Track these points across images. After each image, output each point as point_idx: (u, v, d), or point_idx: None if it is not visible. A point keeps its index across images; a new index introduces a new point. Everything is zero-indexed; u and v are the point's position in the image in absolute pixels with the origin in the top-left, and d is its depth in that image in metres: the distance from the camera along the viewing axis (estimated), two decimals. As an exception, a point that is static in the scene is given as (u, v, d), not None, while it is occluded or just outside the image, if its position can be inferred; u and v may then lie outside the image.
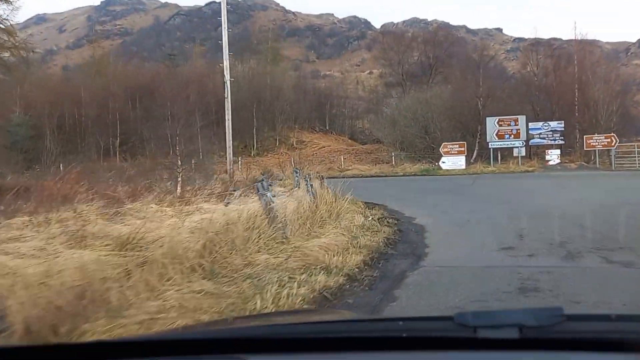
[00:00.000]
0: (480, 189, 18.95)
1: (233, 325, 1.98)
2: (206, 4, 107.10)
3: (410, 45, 44.03)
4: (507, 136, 28.55)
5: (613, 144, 27.12)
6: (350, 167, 30.09)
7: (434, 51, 41.89)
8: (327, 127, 42.80)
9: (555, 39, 49.14)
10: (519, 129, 28.37)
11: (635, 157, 27.09)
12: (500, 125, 28.60)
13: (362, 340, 1.40)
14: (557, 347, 1.28)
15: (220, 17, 22.01)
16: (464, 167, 28.54)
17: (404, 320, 1.53)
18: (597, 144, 27.60)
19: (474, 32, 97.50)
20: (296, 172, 10.71)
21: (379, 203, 12.44)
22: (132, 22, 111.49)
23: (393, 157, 30.34)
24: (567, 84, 32.17)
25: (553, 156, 28.34)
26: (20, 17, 43.00)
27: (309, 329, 1.59)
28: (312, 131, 40.91)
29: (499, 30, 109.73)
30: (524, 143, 28.55)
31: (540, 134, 33.74)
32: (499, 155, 29.36)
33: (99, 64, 42.94)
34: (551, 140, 32.71)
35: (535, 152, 33.62)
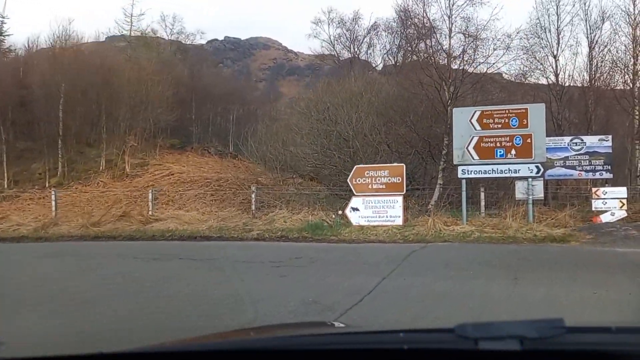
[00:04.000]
0: None
1: (227, 338, 1.96)
2: (208, 42, 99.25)
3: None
4: (499, 151, 12.34)
5: None
6: (163, 216, 13.75)
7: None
8: (230, 149, 26.79)
9: None
10: (530, 136, 12.21)
11: None
12: (486, 125, 12.47)
13: (363, 352, 1.41)
14: (558, 359, 1.28)
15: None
16: (400, 222, 12.29)
17: (404, 332, 1.47)
18: None
19: None
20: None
21: None
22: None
23: (253, 197, 13.98)
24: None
25: (610, 204, 12.23)
26: None
27: (308, 342, 1.60)
28: (182, 152, 24.80)
29: None
30: (540, 170, 12.33)
31: (566, 158, 18.26)
32: (483, 195, 13.23)
33: None
34: (588, 171, 17.50)
35: (559, 194, 17.94)
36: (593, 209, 12.51)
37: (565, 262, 8.21)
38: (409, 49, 17.39)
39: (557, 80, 20.15)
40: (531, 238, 11.11)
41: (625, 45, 18.89)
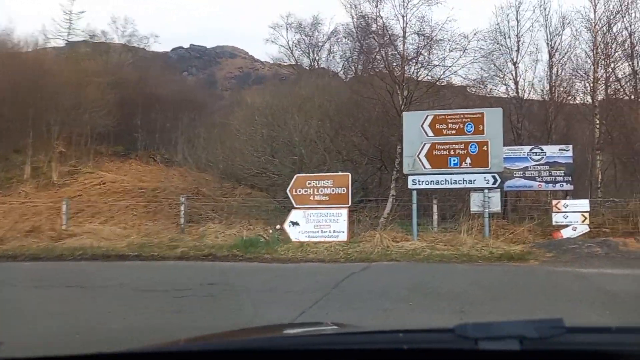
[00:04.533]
0: None
1: (227, 338, 1.90)
2: (172, 49, 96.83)
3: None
4: (453, 160, 11.22)
5: None
6: (79, 231, 12.06)
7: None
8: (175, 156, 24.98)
9: None
10: (487, 143, 11.14)
11: None
12: (439, 131, 11.36)
13: (363, 352, 1.40)
14: (557, 359, 1.28)
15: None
16: (344, 238, 10.99)
17: (404, 332, 1.46)
18: None
19: None
20: None
21: None
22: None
23: (182, 209, 12.44)
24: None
25: (572, 218, 11.26)
26: None
27: (308, 342, 1.60)
28: (126, 160, 22.98)
29: None
30: (497, 180, 11.24)
31: (526, 169, 17.50)
32: (436, 207, 12.10)
33: None
34: (548, 182, 16.83)
35: (519, 206, 17.14)
36: (553, 223, 11.50)
37: (523, 288, 7.04)
38: (370, 58, 16.13)
39: (517, 87, 19.41)
40: (487, 256, 9.98)
41: (585, 52, 18.30)
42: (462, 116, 11.33)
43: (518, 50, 19.48)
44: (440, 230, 11.72)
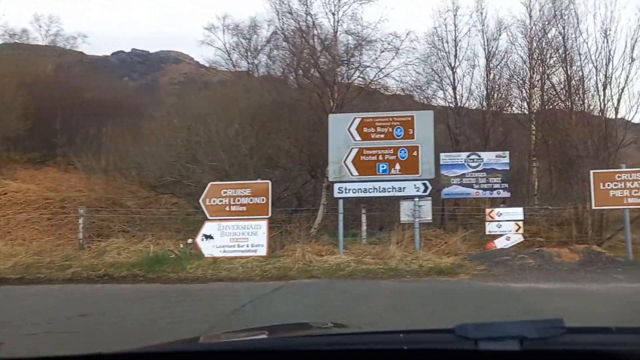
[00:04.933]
0: None
1: (228, 338, 1.96)
2: (113, 54, 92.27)
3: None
4: (381, 166, 10.41)
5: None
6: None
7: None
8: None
9: None
10: (417, 148, 10.38)
11: None
12: (367, 135, 10.51)
13: (363, 352, 1.39)
14: (558, 359, 1.28)
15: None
16: (264, 252, 9.91)
17: (404, 333, 1.49)
18: (628, 195, 10.18)
19: None
20: None
21: None
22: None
23: (81, 222, 11.00)
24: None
25: (506, 228, 10.66)
26: None
27: (309, 342, 1.60)
28: (41, 167, 21.00)
29: None
30: (428, 188, 10.48)
31: (463, 176, 16.95)
32: (365, 217, 11.26)
33: None
34: (486, 189, 16.31)
35: (457, 215, 16.68)
36: (487, 232, 10.88)
37: (448, 311, 6.18)
38: (299, 58, 15.13)
39: (454, 93, 19.01)
40: (415, 270, 9.17)
41: (522, 58, 18.11)
42: (391, 119, 10.55)
43: (456, 55, 19.12)
44: (370, 242, 10.85)
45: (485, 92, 18.85)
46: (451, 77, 19.17)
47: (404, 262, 9.58)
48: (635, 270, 9.05)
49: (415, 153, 10.37)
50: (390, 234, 10.58)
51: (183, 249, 10.08)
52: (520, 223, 10.84)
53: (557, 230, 13.08)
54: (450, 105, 19.03)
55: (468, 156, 16.73)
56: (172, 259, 9.82)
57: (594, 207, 10.57)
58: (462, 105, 19.12)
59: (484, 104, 18.85)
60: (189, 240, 10.18)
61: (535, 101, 17.84)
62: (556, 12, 16.89)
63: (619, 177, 10.41)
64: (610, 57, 14.23)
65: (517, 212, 11.01)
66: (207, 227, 10.04)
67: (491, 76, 18.78)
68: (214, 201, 10.19)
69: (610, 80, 13.40)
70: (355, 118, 10.62)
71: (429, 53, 18.83)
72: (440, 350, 1.31)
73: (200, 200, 10.26)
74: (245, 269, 9.30)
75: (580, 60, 15.83)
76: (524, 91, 18.17)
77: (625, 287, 7.90)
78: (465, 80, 19.02)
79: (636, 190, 10.32)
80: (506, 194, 16.43)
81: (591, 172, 10.54)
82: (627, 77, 13.61)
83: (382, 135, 10.47)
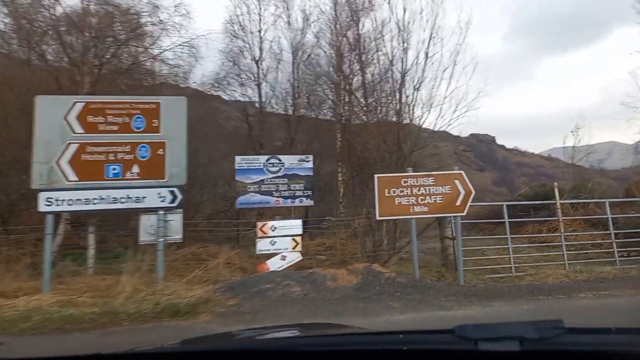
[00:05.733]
0: None
1: (232, 338, 1.94)
2: None
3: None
4: (113, 168, 7.69)
5: (461, 203, 8.74)
6: None
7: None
8: None
9: None
10: (163, 145, 7.82)
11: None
12: (92, 127, 7.67)
13: (363, 353, 1.40)
14: (557, 359, 1.28)
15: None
16: None
17: (404, 334, 1.50)
18: (405, 202, 8.80)
19: None
20: None
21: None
22: None
23: None
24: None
25: (282, 244, 8.65)
26: None
27: (310, 342, 1.60)
28: None
29: None
30: (177, 197, 7.97)
31: (262, 182, 14.90)
32: (92, 239, 8.39)
33: None
34: (287, 197, 14.50)
35: (239, 228, 14.61)
36: (257, 252, 8.79)
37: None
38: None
39: (259, 90, 17.06)
40: (145, 312, 6.60)
41: (326, 53, 16.81)
42: (129, 106, 7.89)
43: (261, 48, 17.21)
44: (98, 271, 8.02)
45: (292, 90, 17.22)
46: (255, 73, 17.21)
47: (134, 300, 6.96)
48: (416, 293, 7.62)
49: (160, 151, 7.86)
50: (127, 260, 7.88)
51: None
52: (299, 239, 8.94)
53: (355, 243, 11.66)
54: (254, 102, 17.05)
55: (267, 160, 14.72)
56: None
57: (377, 218, 9.09)
58: (266, 104, 17.25)
59: (291, 103, 17.20)
60: None
61: (341, 102, 16.62)
62: (354, 17, 15.79)
63: (405, 182, 9.08)
64: (406, 57, 13.30)
65: (295, 226, 9.10)
66: None
67: (298, 72, 17.22)
68: None
69: (404, 80, 12.39)
70: (76, 102, 7.75)
71: (229, 44, 16.65)
72: (440, 350, 1.31)
73: None
74: None
75: (379, 61, 14.90)
76: (329, 92, 16.89)
77: (397, 319, 6.26)
78: (269, 76, 17.17)
79: (423, 198, 9.09)
80: (309, 202, 14.80)
81: (375, 176, 9.06)
82: (421, 78, 12.70)
83: (116, 127, 7.78)
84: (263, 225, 8.81)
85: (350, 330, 2.31)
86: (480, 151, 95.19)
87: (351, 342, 1.52)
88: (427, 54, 12.07)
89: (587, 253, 12.35)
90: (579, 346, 1.29)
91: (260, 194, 14.54)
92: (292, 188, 14.72)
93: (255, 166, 14.60)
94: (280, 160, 14.90)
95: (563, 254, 11.13)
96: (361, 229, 11.07)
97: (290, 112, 16.92)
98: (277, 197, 14.67)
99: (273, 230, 8.75)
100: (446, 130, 12.91)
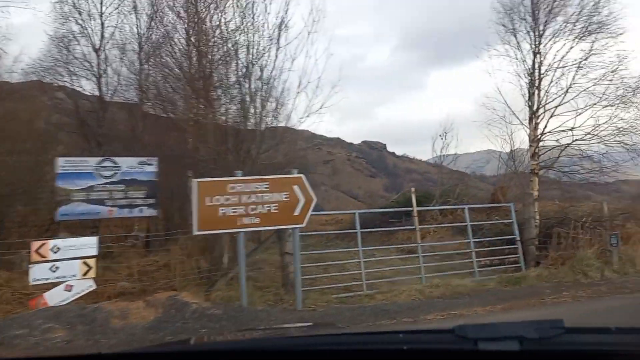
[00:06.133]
0: None
1: (228, 339, 1.87)
2: None
3: None
4: None
5: (300, 212, 7.35)
6: None
7: None
8: None
9: None
10: None
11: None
12: None
13: (363, 353, 1.37)
14: (557, 359, 1.26)
15: None
16: None
17: (404, 333, 1.46)
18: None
19: None
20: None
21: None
22: None
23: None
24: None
25: (67, 270, 6.56)
26: None
27: (310, 342, 1.56)
28: None
29: None
30: None
31: (91, 189, 12.56)
32: None
33: None
34: (124, 206, 12.42)
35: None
36: (31, 282, 6.65)
37: None
38: None
39: (99, 83, 14.62)
40: None
41: (179, 47, 14.83)
42: None
43: (102, 36, 14.82)
44: None
45: (138, 85, 14.98)
46: (95, 63, 14.76)
47: None
48: (231, 327, 6.01)
49: None
50: None
51: None
52: (92, 262, 6.94)
53: (191, 261, 9.84)
54: (92, 97, 14.62)
55: (99, 163, 12.45)
56: None
57: (195, 232, 7.40)
58: (109, 99, 14.86)
59: (136, 99, 14.98)
60: None
61: (194, 100, 14.72)
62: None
63: (232, 188, 7.50)
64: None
65: (89, 244, 7.06)
66: None
67: (146, 67, 15.05)
68: None
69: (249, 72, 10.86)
70: None
71: (61, 28, 14.10)
72: (440, 350, 1.30)
73: None
74: None
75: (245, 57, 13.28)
76: (180, 88, 14.91)
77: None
78: (112, 67, 14.83)
79: (254, 207, 7.56)
80: (151, 212, 12.78)
81: (194, 181, 7.39)
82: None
83: None
84: (40, 246, 6.68)
85: (350, 330, 2.44)
86: (372, 158, 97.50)
87: (351, 342, 1.50)
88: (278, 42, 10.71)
89: (451, 263, 11.67)
90: (579, 346, 1.28)
91: (89, 203, 12.25)
92: (130, 196, 12.61)
93: (83, 170, 12.27)
94: (115, 163, 12.69)
95: (420, 267, 10.27)
96: (197, 244, 9.32)
97: (134, 109, 14.72)
98: (110, 206, 12.47)
99: (55, 252, 6.69)
100: (311, 130, 11.65)
